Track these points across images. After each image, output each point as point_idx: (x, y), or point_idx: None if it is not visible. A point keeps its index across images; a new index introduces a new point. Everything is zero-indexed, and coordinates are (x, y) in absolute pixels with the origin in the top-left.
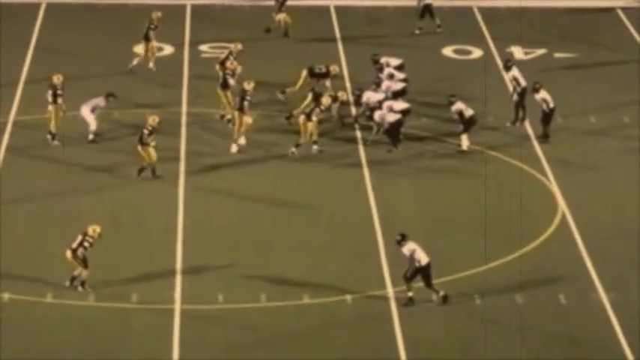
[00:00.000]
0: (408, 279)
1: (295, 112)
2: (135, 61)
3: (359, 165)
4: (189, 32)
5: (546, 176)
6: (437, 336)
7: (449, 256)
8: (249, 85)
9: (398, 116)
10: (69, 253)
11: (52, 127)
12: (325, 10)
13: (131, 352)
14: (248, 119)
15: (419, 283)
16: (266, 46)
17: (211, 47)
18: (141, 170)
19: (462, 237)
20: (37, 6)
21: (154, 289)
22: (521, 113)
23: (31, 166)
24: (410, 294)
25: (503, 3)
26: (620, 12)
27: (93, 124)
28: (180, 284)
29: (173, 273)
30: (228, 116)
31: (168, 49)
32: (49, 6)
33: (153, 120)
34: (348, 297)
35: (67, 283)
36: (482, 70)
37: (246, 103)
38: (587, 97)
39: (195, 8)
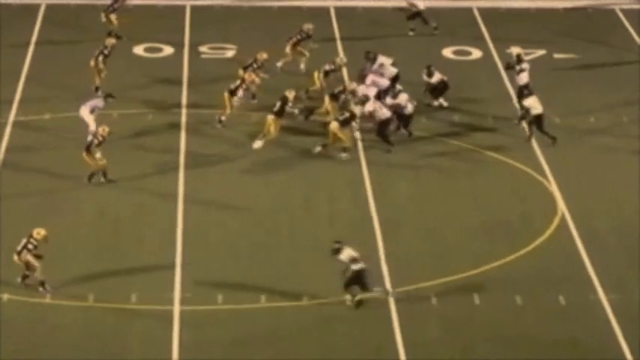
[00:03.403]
0: (347, 285)
1: (317, 111)
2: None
3: (358, 165)
4: (189, 33)
5: (546, 177)
6: (436, 337)
7: (448, 256)
8: (290, 94)
9: (388, 114)
10: (15, 256)
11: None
12: (325, 10)
13: (130, 352)
14: (277, 125)
15: (413, 285)
16: (265, 47)
17: (210, 48)
18: (91, 176)
19: (461, 237)
20: (37, 7)
21: (153, 290)
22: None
23: (30, 166)
24: (357, 297)
25: (503, 4)
26: (619, 12)
27: (92, 125)
28: (179, 285)
29: (172, 274)
30: (223, 117)
31: (167, 50)
32: (48, 7)
33: (103, 130)
34: (348, 298)
35: (19, 280)
36: (482, 71)
37: (286, 109)
38: (586, 98)
39: (195, 9)
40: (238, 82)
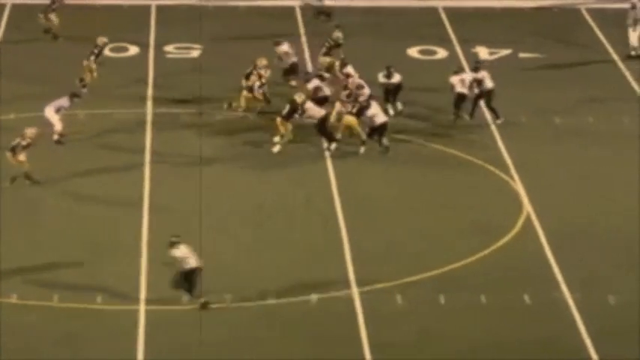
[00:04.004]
0: (176, 283)
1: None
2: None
3: (324, 164)
4: (154, 33)
5: (511, 176)
6: (402, 336)
7: (413, 255)
8: (300, 98)
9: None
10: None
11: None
12: (291, 10)
13: (96, 353)
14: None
15: (379, 285)
16: (229, 46)
17: (176, 48)
18: (13, 179)
19: (426, 237)
20: (2, 7)
21: (118, 290)
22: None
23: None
24: (201, 300)
25: (469, 3)
26: (584, 12)
27: (58, 125)
28: (144, 285)
29: (138, 274)
30: (234, 103)
31: (133, 50)
32: (14, 7)
33: (31, 133)
34: (314, 297)
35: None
36: (448, 71)
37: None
38: (551, 97)
39: (160, 9)
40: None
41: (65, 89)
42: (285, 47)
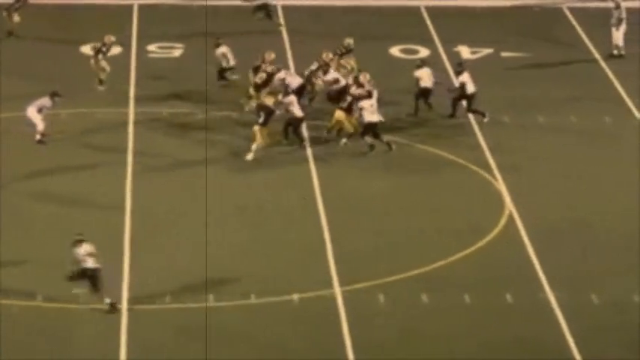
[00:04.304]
0: (71, 278)
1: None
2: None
3: (306, 162)
4: (137, 32)
5: (493, 175)
6: (385, 336)
7: (396, 255)
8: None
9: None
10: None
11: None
12: (273, 9)
13: (78, 352)
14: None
15: (361, 284)
16: (212, 48)
17: (159, 47)
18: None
19: (409, 236)
20: None
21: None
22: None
23: None
24: (107, 300)
25: (451, 2)
26: (566, 10)
27: (40, 125)
28: (126, 284)
29: (120, 273)
30: (253, 104)
31: (115, 49)
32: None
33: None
34: (295, 296)
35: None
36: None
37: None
38: (534, 96)
39: (143, 8)
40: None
41: (48, 89)
42: (223, 49)
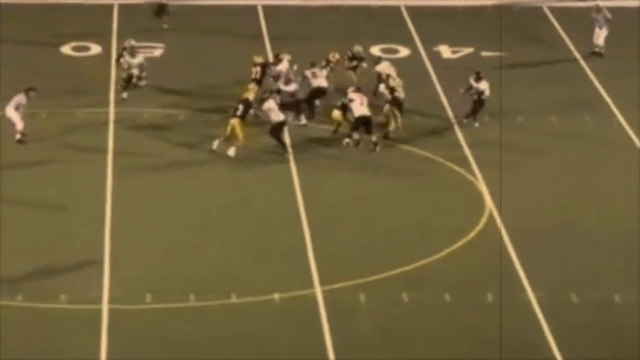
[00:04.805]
0: None
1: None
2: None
3: (287, 162)
4: (117, 32)
5: (474, 175)
6: (365, 335)
7: (377, 254)
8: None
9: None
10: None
11: None
12: (253, 9)
13: (59, 352)
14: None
15: (342, 283)
16: (193, 47)
17: (139, 47)
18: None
19: (389, 235)
20: None
21: (81, 290)
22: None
23: None
24: None
25: (431, 2)
26: (546, 10)
27: (19, 124)
28: (108, 284)
29: (101, 273)
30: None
31: (95, 49)
32: None
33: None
34: (276, 296)
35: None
36: (410, 69)
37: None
38: (514, 96)
39: (123, 7)
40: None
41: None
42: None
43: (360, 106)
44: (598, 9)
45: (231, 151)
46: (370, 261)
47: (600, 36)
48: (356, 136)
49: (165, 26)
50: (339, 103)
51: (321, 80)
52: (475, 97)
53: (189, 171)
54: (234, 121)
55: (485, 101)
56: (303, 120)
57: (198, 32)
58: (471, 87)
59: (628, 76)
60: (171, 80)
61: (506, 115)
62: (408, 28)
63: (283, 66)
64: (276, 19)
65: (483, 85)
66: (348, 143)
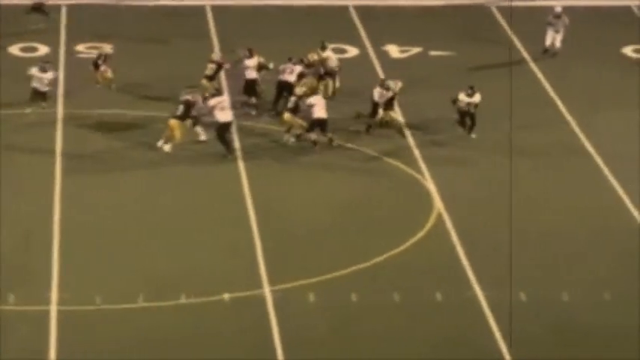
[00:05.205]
0: None
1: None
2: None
3: (235, 162)
4: (65, 32)
5: (422, 174)
6: (315, 335)
7: (326, 253)
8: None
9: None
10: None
11: None
12: (201, 9)
13: (7, 353)
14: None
15: (291, 283)
16: (142, 47)
17: (87, 47)
18: None
19: (338, 236)
20: None
21: (30, 291)
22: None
23: None
24: None
25: (379, 2)
26: (494, 9)
27: None
28: (57, 285)
29: (50, 274)
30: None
31: (43, 49)
32: None
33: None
34: (226, 296)
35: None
36: (358, 69)
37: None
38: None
39: (71, 8)
40: None
41: None
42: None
43: (320, 109)
44: (558, 15)
45: (167, 147)
46: (319, 261)
47: (557, 39)
48: (313, 136)
49: (40, 26)
50: (289, 106)
51: (288, 76)
52: (472, 110)
53: (137, 171)
54: (173, 122)
55: (474, 115)
56: (253, 111)
57: (147, 32)
58: (460, 101)
59: (576, 76)
60: (120, 80)
61: (454, 114)
62: (356, 27)
63: (252, 62)
64: (224, 19)
65: (477, 98)
66: (288, 140)
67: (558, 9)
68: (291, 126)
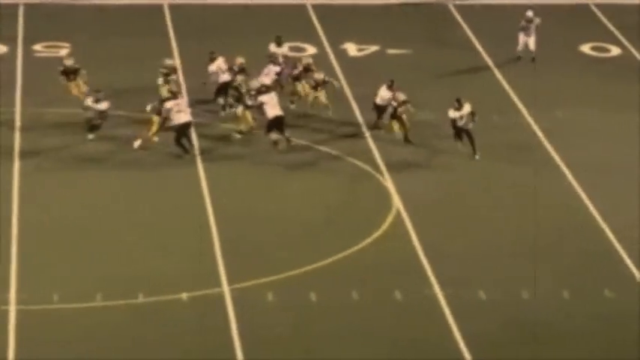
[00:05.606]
0: None
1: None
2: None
3: (194, 161)
4: (22, 31)
5: (380, 172)
6: (274, 333)
7: (284, 252)
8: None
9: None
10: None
11: None
12: (159, 8)
13: None
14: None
15: (250, 282)
16: (99, 46)
17: (45, 46)
18: None
19: (295, 233)
20: None
21: None
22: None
23: None
24: None
25: (337, 0)
26: (452, 8)
27: None
28: (14, 285)
29: (8, 274)
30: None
31: (0, 49)
32: None
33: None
34: (184, 295)
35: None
36: (317, 67)
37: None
38: (420, 93)
39: (28, 7)
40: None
41: None
42: None
43: (272, 108)
44: (530, 19)
45: (136, 144)
46: (278, 259)
47: (530, 42)
48: (274, 136)
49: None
50: (246, 102)
51: (264, 77)
52: (467, 125)
53: (96, 171)
54: (155, 118)
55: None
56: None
57: (104, 31)
58: (460, 117)
59: (534, 74)
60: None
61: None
62: (314, 26)
63: (216, 65)
64: (181, 18)
65: (466, 109)
66: (235, 137)
67: (530, 13)
68: (241, 122)
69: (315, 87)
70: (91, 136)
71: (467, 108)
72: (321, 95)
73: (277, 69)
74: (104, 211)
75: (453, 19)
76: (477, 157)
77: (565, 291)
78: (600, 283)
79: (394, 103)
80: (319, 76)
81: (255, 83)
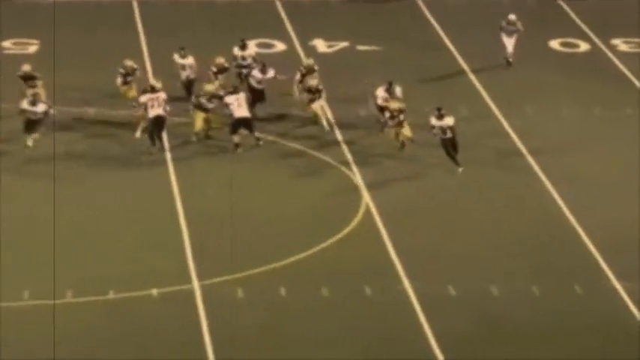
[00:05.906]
0: None
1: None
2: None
3: (164, 160)
4: None
5: (350, 169)
6: (243, 329)
7: (254, 248)
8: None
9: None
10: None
11: None
12: (128, 4)
13: None
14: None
15: (220, 278)
16: (68, 43)
17: (14, 44)
18: None
19: (266, 229)
20: None
21: None
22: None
23: None
24: None
25: None
26: (421, 4)
27: None
28: None
29: None
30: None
31: None
32: None
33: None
34: (154, 291)
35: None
36: (286, 64)
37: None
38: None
39: None
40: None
41: None
42: None
43: (238, 108)
44: (512, 22)
45: (138, 133)
46: (248, 255)
47: (509, 45)
48: (236, 138)
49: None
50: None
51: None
52: (442, 135)
53: (67, 169)
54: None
55: (454, 139)
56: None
57: (72, 27)
58: (433, 127)
59: (503, 70)
60: (47, 77)
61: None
62: (283, 22)
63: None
64: (150, 13)
65: (448, 121)
66: (192, 139)
67: (512, 16)
68: (194, 120)
69: (312, 96)
70: (29, 141)
71: (449, 120)
72: (319, 110)
73: (259, 75)
74: (75, 209)
75: (422, 15)
76: (459, 169)
77: (534, 287)
78: (570, 280)
79: (387, 114)
80: (313, 82)
81: (209, 87)
